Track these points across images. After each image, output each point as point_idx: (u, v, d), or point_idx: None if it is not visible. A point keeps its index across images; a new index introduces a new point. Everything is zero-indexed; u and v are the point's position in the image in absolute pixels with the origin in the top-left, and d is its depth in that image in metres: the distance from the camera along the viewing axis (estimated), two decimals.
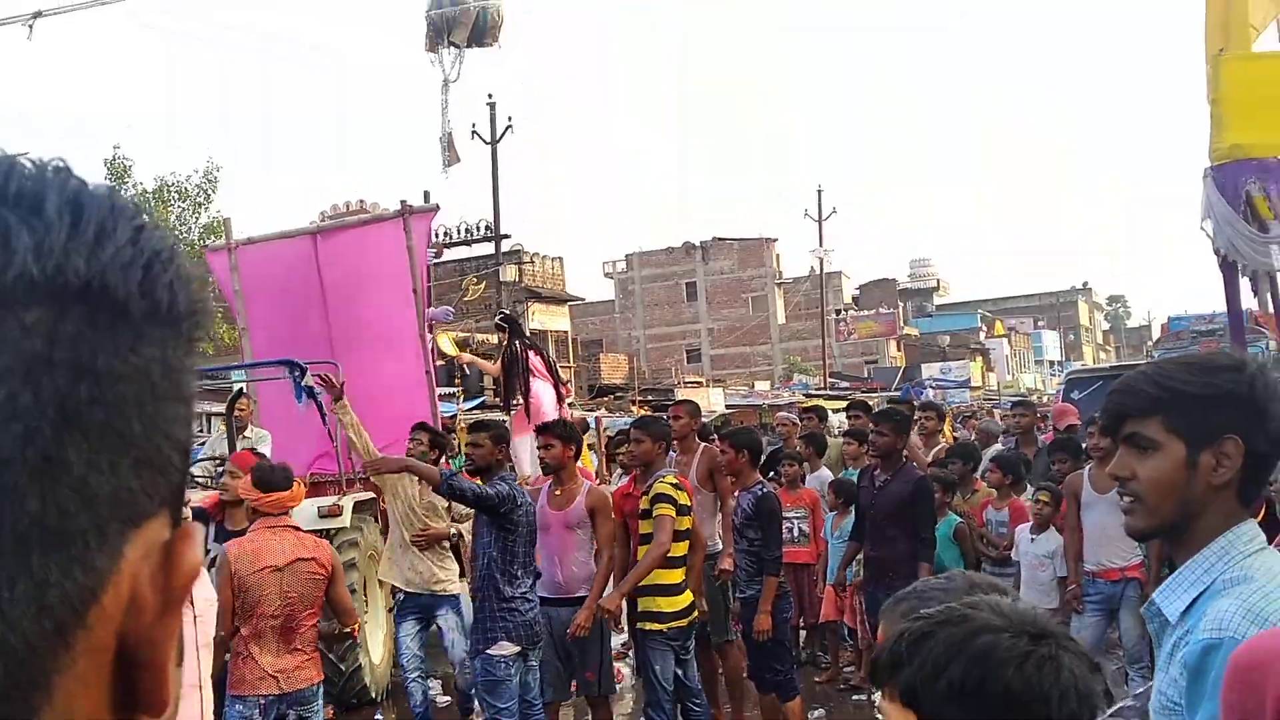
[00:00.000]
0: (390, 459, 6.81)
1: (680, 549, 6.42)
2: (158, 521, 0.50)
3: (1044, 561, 7.43)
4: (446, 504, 7.40)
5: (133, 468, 0.48)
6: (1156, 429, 1.94)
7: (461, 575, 7.77)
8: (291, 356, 8.53)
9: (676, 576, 6.40)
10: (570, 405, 11.84)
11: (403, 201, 9.89)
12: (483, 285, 31.33)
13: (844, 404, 36.22)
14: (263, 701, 5.46)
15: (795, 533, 8.70)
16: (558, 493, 6.74)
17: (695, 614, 6.57)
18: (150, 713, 0.51)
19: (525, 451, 9.70)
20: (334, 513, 8.28)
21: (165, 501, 0.51)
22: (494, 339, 11.23)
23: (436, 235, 32.97)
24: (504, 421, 9.46)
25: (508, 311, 11.52)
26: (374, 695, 8.42)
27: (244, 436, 9.02)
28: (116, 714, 0.49)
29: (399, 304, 9.60)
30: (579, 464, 7.30)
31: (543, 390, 10.14)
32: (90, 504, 0.47)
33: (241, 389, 9.10)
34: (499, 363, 10.49)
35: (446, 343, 12.98)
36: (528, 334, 11.40)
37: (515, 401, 10.29)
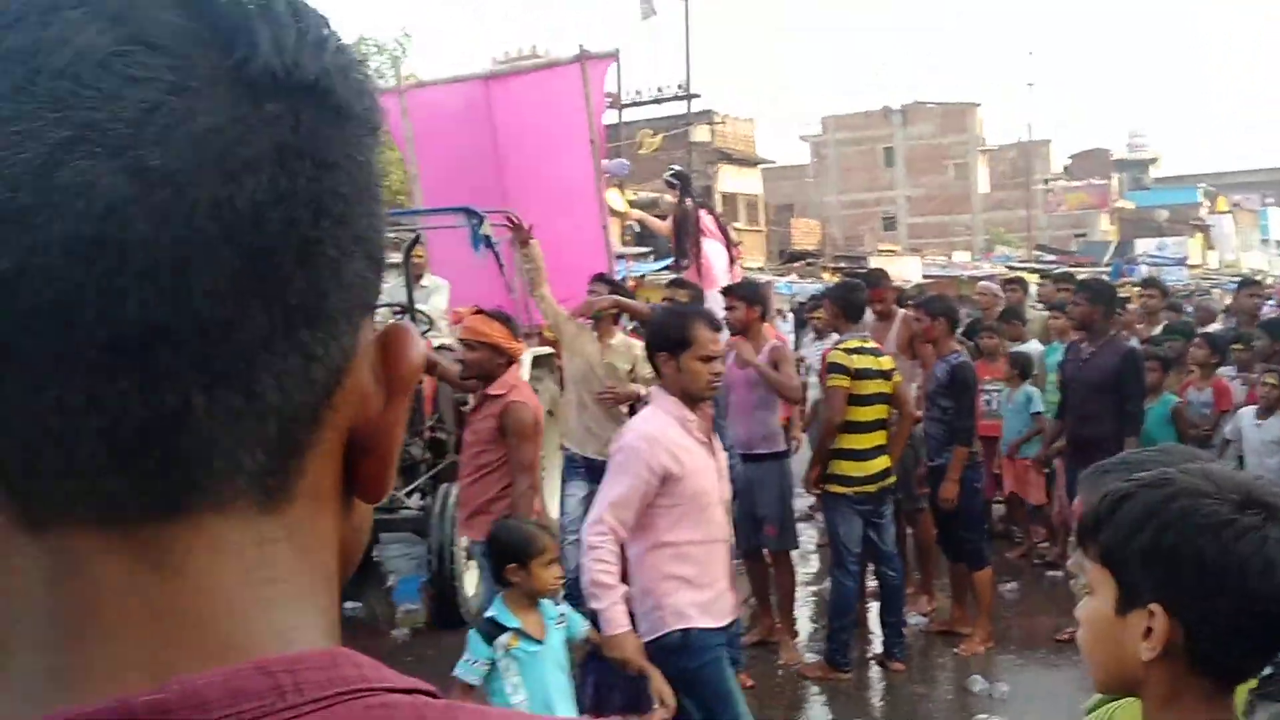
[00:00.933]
0: (611, 298, 6.92)
1: (868, 413, 6.35)
2: (371, 316, 0.54)
3: (1273, 448, 6.90)
4: (629, 366, 7.04)
5: (365, 259, 0.51)
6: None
7: None
8: (465, 204, 8.24)
9: (865, 441, 6.36)
10: (743, 267, 11.42)
11: (580, 46, 9.48)
12: (659, 139, 29.70)
13: (1049, 278, 34.58)
14: None
15: (993, 405, 8.64)
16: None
17: (887, 480, 6.47)
18: (368, 499, 0.55)
19: None
20: None
21: (375, 298, 0.54)
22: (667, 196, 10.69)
23: (627, 95, 32.39)
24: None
25: (679, 168, 10.77)
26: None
27: (420, 285, 8.71)
28: (343, 498, 0.54)
29: (574, 154, 9.28)
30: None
31: (714, 251, 9.66)
32: (342, 288, 0.50)
33: (418, 236, 8.76)
34: (669, 221, 10.04)
35: (616, 198, 12.59)
36: (700, 193, 11.02)
37: (685, 262, 9.84)
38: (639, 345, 6.93)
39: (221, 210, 0.46)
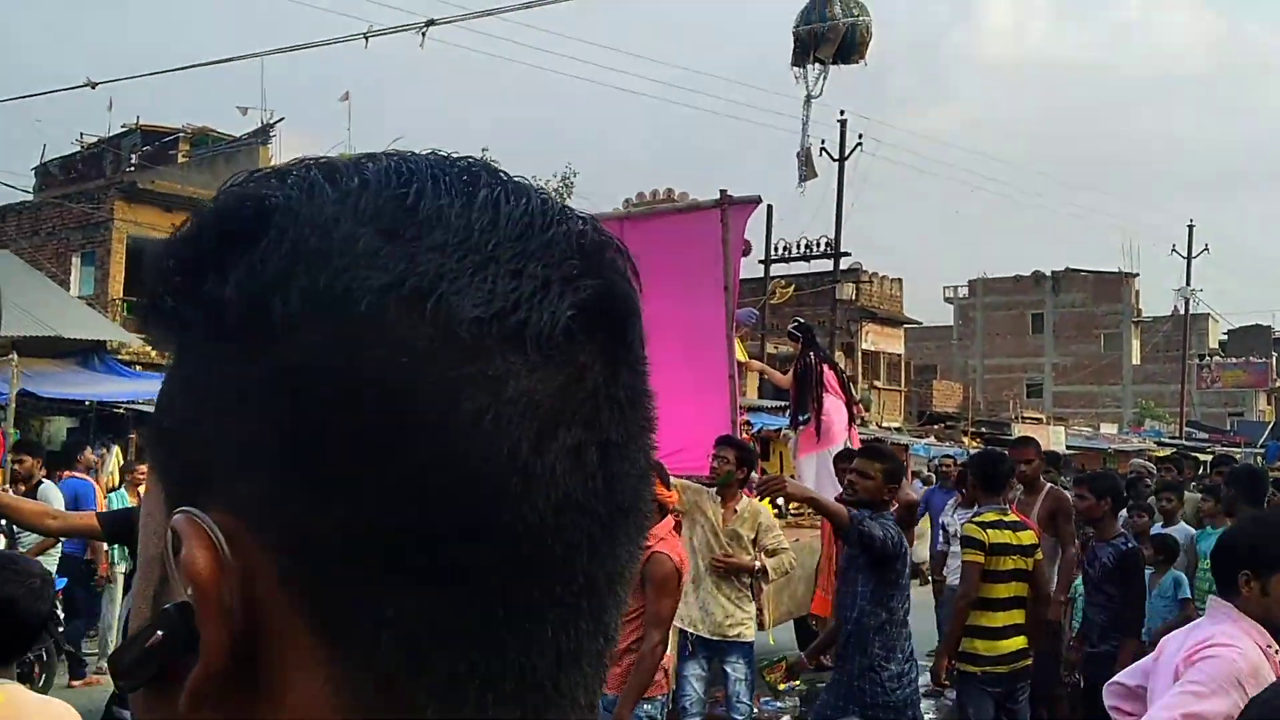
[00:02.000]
0: (796, 484, 6.35)
1: (1003, 590, 6.08)
2: None
3: None
4: (753, 533, 6.66)
5: None
6: None
7: (759, 624, 7.11)
8: None
9: (999, 619, 6.09)
10: (881, 426, 11.37)
11: (722, 191, 9.26)
12: (791, 289, 29.18)
13: (1203, 456, 33.41)
14: (663, 700, 5.54)
15: None
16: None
17: (1023, 661, 6.18)
18: None
19: (810, 471, 9.32)
20: None
21: None
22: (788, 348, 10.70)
23: (777, 250, 32.95)
24: (790, 436, 8.99)
25: (803, 320, 10.74)
26: None
27: None
28: None
29: (706, 299, 9.04)
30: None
31: (834, 408, 9.50)
32: None
33: None
34: (791, 374, 9.90)
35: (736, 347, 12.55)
36: (823, 346, 10.98)
37: (804, 417, 9.70)
38: (765, 512, 6.78)
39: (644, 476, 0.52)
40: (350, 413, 0.45)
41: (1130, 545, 6.64)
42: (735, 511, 6.63)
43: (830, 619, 6.60)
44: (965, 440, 31.71)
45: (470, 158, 0.52)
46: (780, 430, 17.08)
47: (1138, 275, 60.11)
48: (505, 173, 0.52)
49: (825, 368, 9.60)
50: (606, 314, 0.51)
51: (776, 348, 25.61)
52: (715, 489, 6.66)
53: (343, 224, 0.47)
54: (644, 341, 0.55)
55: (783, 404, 22.67)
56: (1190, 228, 42.68)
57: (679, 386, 8.71)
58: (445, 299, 0.46)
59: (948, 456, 13.38)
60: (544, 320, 0.47)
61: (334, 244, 0.46)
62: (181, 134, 30.18)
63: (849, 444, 9.27)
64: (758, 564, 6.67)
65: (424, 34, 14.32)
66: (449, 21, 15.17)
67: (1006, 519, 6.28)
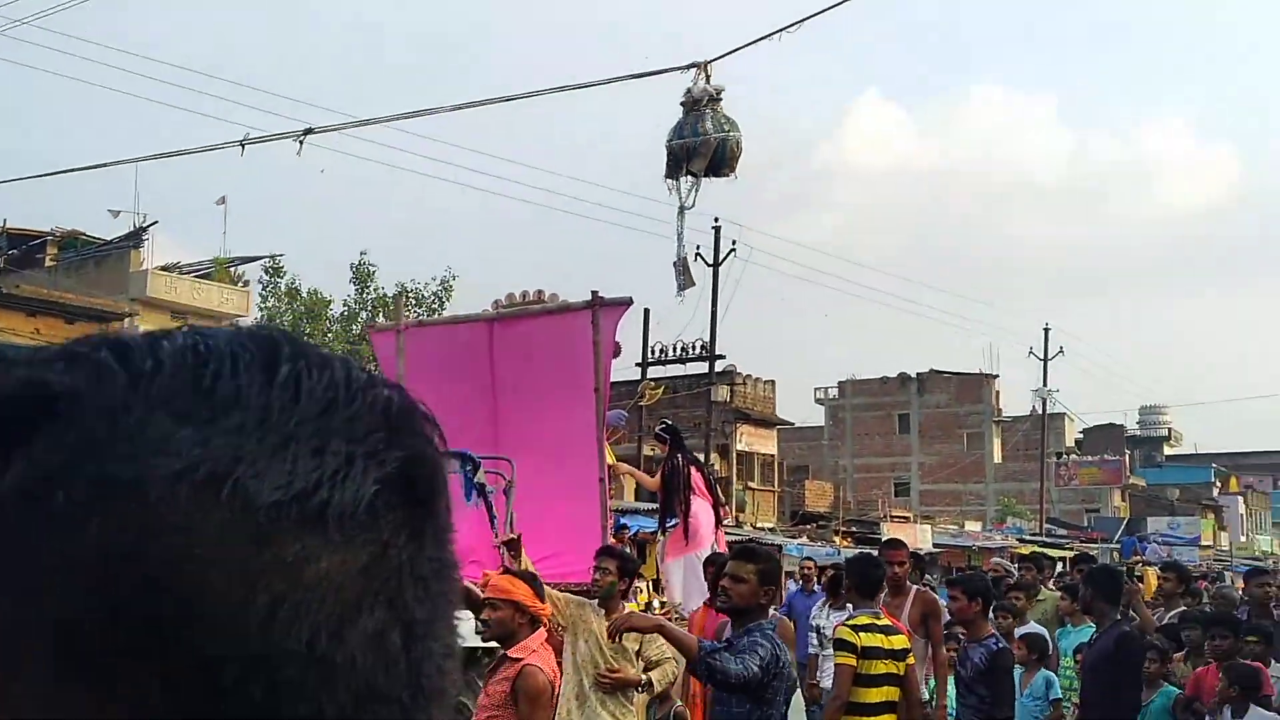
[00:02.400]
0: (642, 617, 6.32)
1: (875, 694, 6.01)
2: None
3: None
4: (636, 645, 6.36)
5: None
6: None
7: None
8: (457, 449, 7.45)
9: None
10: (755, 527, 11.41)
11: (594, 292, 9.02)
12: (660, 390, 28.84)
13: (1061, 553, 34.59)
14: None
15: None
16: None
17: None
18: None
19: (678, 575, 9.23)
20: None
21: None
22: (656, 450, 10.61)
23: (653, 352, 33.47)
24: (659, 540, 8.85)
25: (670, 421, 10.63)
26: None
27: None
28: None
29: (576, 403, 8.81)
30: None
31: (702, 510, 9.37)
32: None
33: None
34: (658, 476, 9.70)
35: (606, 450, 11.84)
36: (690, 449, 10.51)
37: (672, 520, 9.50)
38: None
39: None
40: (137, 608, 0.43)
41: (1001, 645, 6.82)
42: None
43: None
44: (837, 540, 32.33)
45: (273, 331, 0.50)
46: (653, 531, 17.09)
47: (998, 376, 62.43)
48: (310, 345, 0.51)
49: (692, 469, 9.49)
50: (413, 485, 0.49)
51: (653, 449, 25.91)
52: (598, 602, 6.40)
53: (134, 410, 0.45)
54: (451, 508, 0.53)
55: (650, 506, 22.60)
56: (1046, 331, 44.75)
57: (550, 490, 8.58)
58: (241, 483, 0.44)
59: (808, 559, 13.62)
60: (346, 499, 0.46)
61: (123, 431, 0.45)
62: (49, 237, 29.53)
63: (715, 547, 9.26)
64: (643, 677, 6.43)
65: (301, 142, 14.46)
66: (326, 130, 15.37)
67: (879, 622, 6.27)
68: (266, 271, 36.52)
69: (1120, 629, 6.91)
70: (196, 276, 31.27)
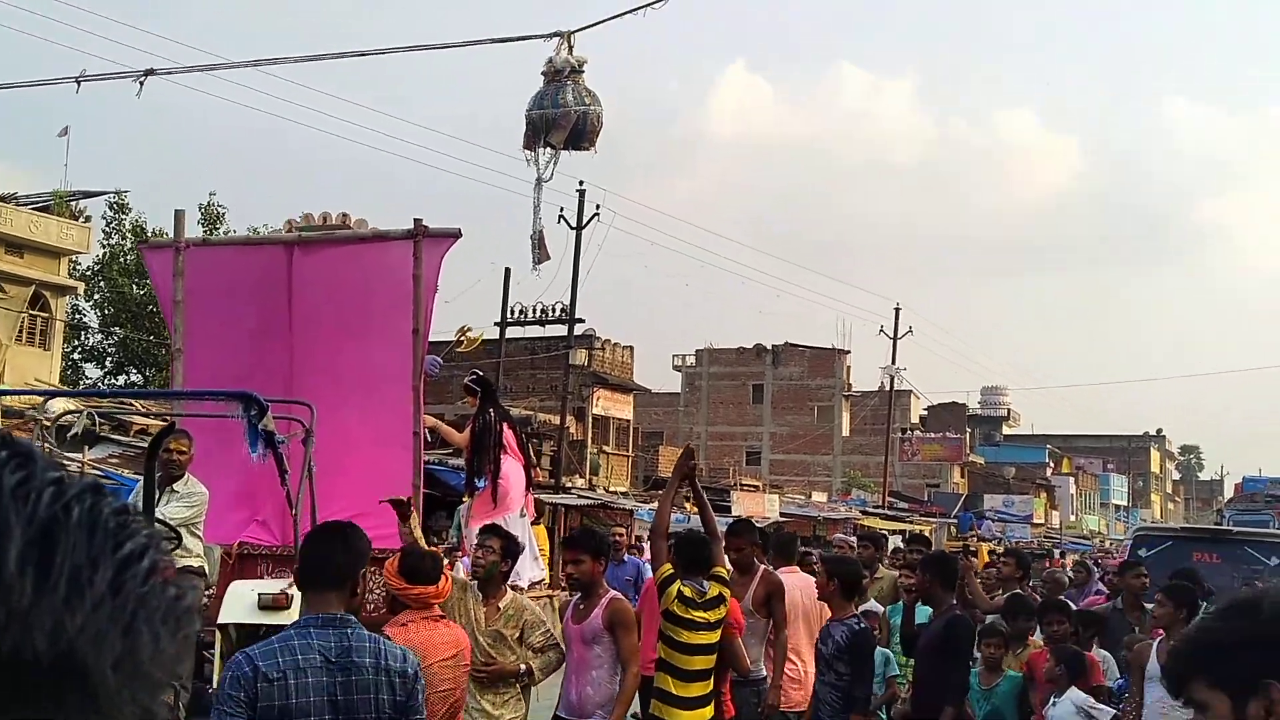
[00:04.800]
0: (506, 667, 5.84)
1: (701, 662, 6.08)
2: None
3: None
4: (517, 632, 5.96)
5: None
6: (1201, 689, 1.91)
7: None
8: (243, 389, 6.11)
9: (695, 690, 6.09)
10: (609, 490, 10.96)
11: (417, 220, 7.88)
12: (480, 336, 25.24)
13: (900, 525, 35.71)
14: None
15: None
16: (581, 606, 6.21)
17: None
18: None
19: None
20: (280, 604, 6.65)
21: None
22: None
23: (513, 313, 33.23)
24: (464, 502, 8.08)
25: (481, 373, 9.56)
26: None
27: (171, 490, 7.07)
28: None
29: (388, 344, 7.81)
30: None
31: (513, 470, 8.63)
32: None
33: (172, 424, 6.89)
34: (468, 432, 8.82)
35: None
36: (503, 406, 9.48)
37: (480, 481, 8.71)
38: (532, 608, 6.17)
39: None
40: None
41: (863, 625, 6.93)
42: (499, 609, 5.91)
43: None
44: (688, 506, 32.68)
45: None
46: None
47: (849, 352, 63.86)
48: None
49: (505, 426, 8.71)
50: None
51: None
52: (478, 585, 5.98)
53: None
54: None
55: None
56: (897, 310, 45.83)
57: (353, 441, 7.68)
58: None
59: (618, 528, 13.60)
60: None
61: None
62: None
63: (525, 511, 8.80)
64: (523, 666, 5.94)
65: (141, 83, 13.81)
66: (170, 72, 14.71)
67: (701, 598, 6.29)
68: (110, 208, 34.99)
69: (953, 613, 7.06)
70: (35, 208, 29.74)
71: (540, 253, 11.43)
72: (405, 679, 3.62)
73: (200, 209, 34.36)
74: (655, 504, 31.06)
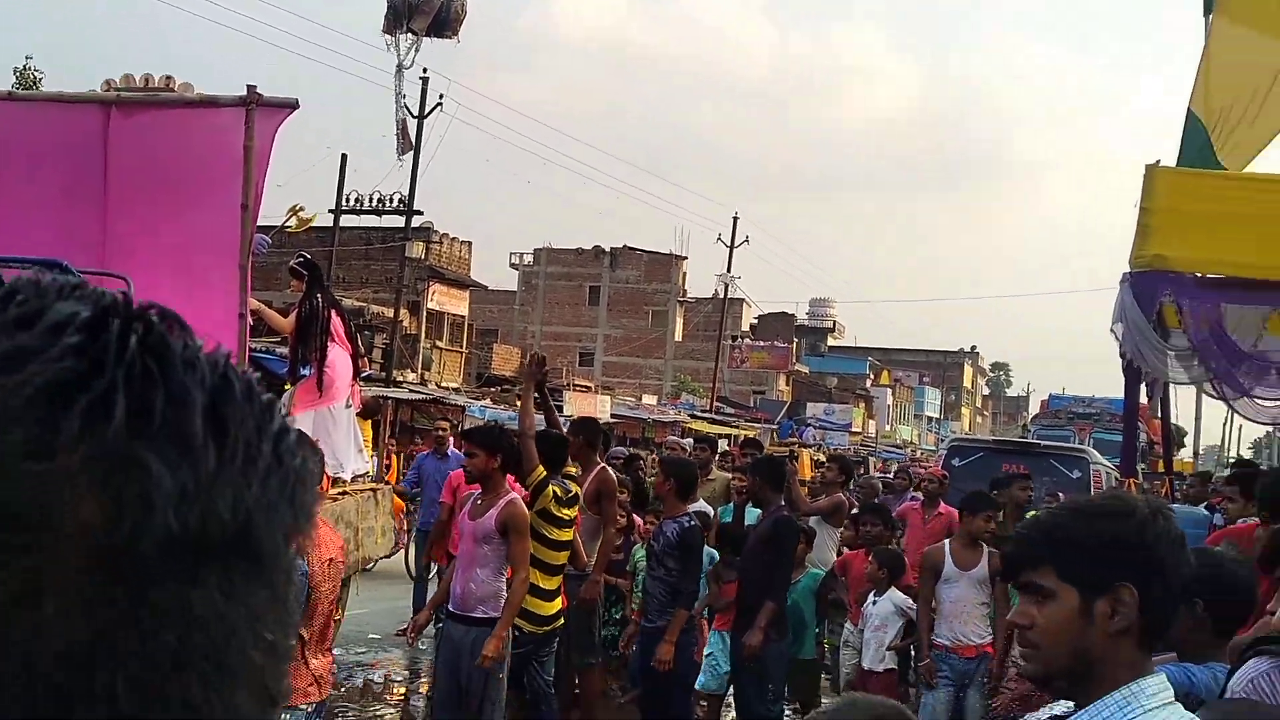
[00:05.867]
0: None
1: (563, 557, 6.62)
2: None
3: (883, 623, 7.57)
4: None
5: None
6: (1050, 577, 1.96)
7: None
8: (52, 257, 5.71)
9: (555, 582, 6.57)
10: (440, 386, 10.58)
11: (250, 87, 7.36)
12: (313, 218, 23.28)
13: (726, 430, 36.60)
14: (308, 709, 4.81)
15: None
16: (479, 502, 6.25)
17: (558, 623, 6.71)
18: None
19: (307, 429, 7.92)
20: None
21: None
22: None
23: (348, 201, 32.32)
24: (287, 390, 7.94)
25: (307, 255, 9.14)
26: None
27: None
28: None
29: (213, 216, 7.33)
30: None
31: (339, 359, 8.41)
32: None
33: None
34: (294, 318, 8.56)
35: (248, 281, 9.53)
36: (328, 289, 9.14)
37: (305, 370, 8.46)
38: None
39: None
40: None
41: (692, 524, 7.14)
42: None
43: None
44: (519, 402, 32.75)
45: None
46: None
47: (686, 259, 64.48)
48: None
49: (332, 313, 8.48)
50: None
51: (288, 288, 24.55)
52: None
53: None
54: None
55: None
56: (735, 219, 46.33)
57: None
58: None
59: (443, 420, 13.39)
60: None
61: None
62: None
63: (350, 402, 8.63)
64: None
65: None
66: None
67: (567, 496, 6.74)
68: None
69: (780, 513, 7.35)
70: None
71: (403, 142, 11.04)
72: None
73: (15, 73, 32.17)
74: (486, 401, 31.00)
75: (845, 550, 8.93)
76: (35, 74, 32.43)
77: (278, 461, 0.48)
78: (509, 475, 6.32)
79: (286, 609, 0.50)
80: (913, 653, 7.49)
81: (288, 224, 21.09)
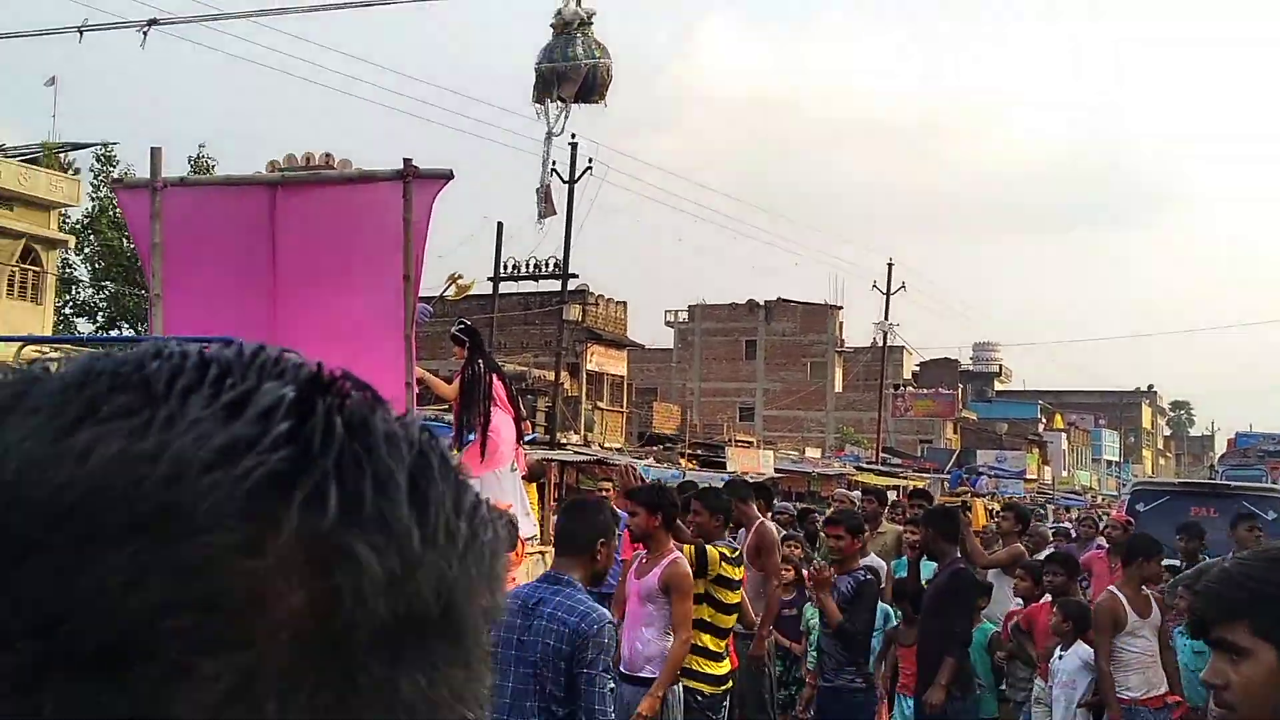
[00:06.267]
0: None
1: (733, 620, 6.43)
2: None
3: (1070, 679, 7.10)
4: None
5: None
6: (1245, 634, 1.81)
7: None
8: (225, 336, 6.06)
9: (724, 644, 6.39)
10: (603, 446, 10.84)
11: (406, 160, 7.50)
12: (471, 285, 24.61)
13: (893, 481, 35.80)
14: None
15: None
16: (644, 561, 6.20)
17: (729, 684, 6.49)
18: None
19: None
20: None
21: None
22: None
23: (506, 267, 33.02)
24: (454, 455, 8.36)
25: (467, 322, 9.33)
26: None
27: None
28: None
29: (378, 290, 7.52)
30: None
31: (503, 424, 8.44)
32: None
33: None
34: (456, 384, 8.67)
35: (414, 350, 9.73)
36: (490, 355, 9.35)
37: (470, 435, 8.47)
38: None
39: None
40: None
41: (867, 577, 7.03)
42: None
43: None
44: (683, 462, 32.72)
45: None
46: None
47: (842, 308, 63.81)
48: None
49: (494, 378, 8.54)
50: None
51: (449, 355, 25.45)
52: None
53: None
54: None
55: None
56: (890, 266, 45.68)
57: None
58: None
59: (606, 481, 13.54)
60: None
61: None
62: None
63: (515, 465, 8.68)
64: None
65: (145, 33, 13.58)
66: (172, 22, 14.48)
67: (734, 554, 6.56)
68: (98, 159, 34.59)
69: (957, 565, 7.13)
70: (22, 161, 29.40)
71: (546, 206, 11.27)
72: (576, 633, 4.25)
73: (190, 161, 34.05)
74: (649, 460, 30.96)
75: (1019, 602, 8.48)
76: (209, 161, 34.18)
77: (473, 536, 0.48)
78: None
79: (484, 687, 0.49)
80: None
81: (447, 292, 22.02)
